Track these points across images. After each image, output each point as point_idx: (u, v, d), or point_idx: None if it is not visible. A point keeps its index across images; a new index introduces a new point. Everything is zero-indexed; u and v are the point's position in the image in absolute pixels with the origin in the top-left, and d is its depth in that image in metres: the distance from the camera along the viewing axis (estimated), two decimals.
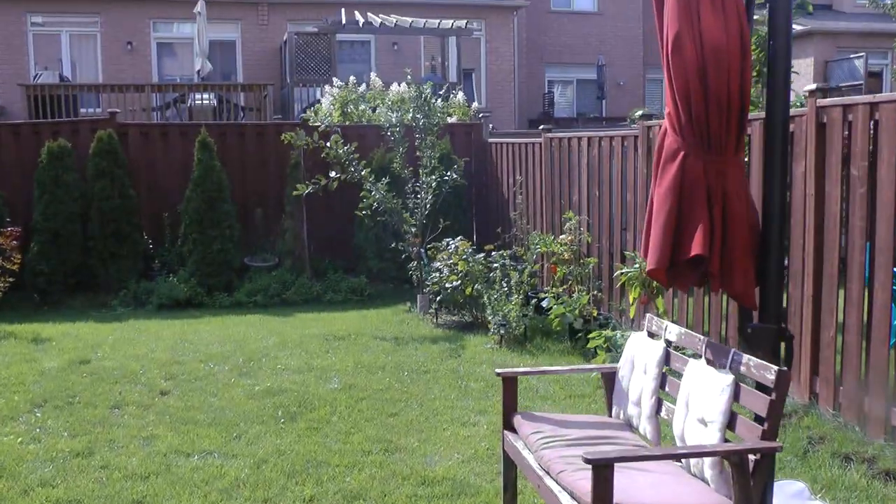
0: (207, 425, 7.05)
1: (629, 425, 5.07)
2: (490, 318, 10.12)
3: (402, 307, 12.75)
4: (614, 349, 8.62)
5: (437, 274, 11.19)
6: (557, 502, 4.14)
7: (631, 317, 9.35)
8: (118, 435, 6.86)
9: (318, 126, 12.68)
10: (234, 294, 13.46)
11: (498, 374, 5.23)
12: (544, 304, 10.02)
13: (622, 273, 8.81)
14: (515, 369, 5.45)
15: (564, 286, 10.58)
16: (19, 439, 6.81)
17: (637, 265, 8.64)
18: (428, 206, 12.27)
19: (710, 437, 4.08)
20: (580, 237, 10.58)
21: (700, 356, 4.51)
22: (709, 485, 4.10)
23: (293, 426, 7.02)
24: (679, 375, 4.64)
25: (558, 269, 10.68)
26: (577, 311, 9.65)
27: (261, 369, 8.90)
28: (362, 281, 14.00)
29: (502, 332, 9.89)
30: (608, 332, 8.85)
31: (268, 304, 13.30)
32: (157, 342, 10.30)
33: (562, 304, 9.85)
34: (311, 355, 9.54)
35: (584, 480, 3.94)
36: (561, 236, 10.76)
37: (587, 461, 3.64)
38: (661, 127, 4.59)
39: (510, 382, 5.23)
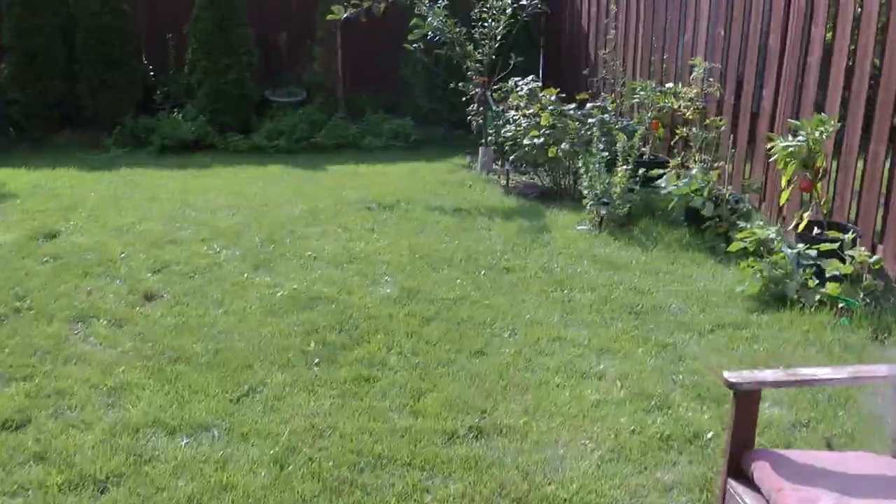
0: (206, 367, 4.74)
1: None
2: (585, 190, 7.70)
3: (458, 160, 10.37)
4: (767, 254, 6.26)
5: (513, 126, 8.70)
6: None
7: (781, 203, 6.92)
8: (72, 381, 4.54)
9: None
10: (253, 136, 11.07)
11: (731, 386, 2.84)
12: (663, 182, 7.54)
13: (779, 145, 6.32)
14: (760, 376, 2.95)
15: (683, 153, 8.13)
16: None
17: (804, 136, 6.19)
18: (498, 37, 9.65)
19: None
20: (707, 90, 8.02)
21: None
22: None
23: (333, 373, 4.70)
24: None
25: (673, 131, 8.19)
26: (705, 192, 7.21)
27: (284, 257, 6.58)
28: (407, 124, 11.61)
29: (603, 211, 7.49)
30: (759, 231, 6.45)
31: (293, 149, 10.96)
32: (150, 205, 7.99)
33: (680, 178, 7.42)
34: (350, 234, 7.22)
35: None
36: (681, 88, 8.21)
37: None
38: None
39: (748, 401, 2.87)
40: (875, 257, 5.94)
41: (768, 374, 2.89)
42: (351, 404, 4.34)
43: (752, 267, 6.07)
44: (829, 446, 4.05)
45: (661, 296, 6.04)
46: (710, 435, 4.19)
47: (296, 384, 4.54)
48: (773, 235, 6.41)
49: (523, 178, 9.42)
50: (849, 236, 6.00)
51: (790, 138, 6.40)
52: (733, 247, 6.50)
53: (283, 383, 4.54)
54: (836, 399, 4.51)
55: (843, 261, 5.91)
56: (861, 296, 5.84)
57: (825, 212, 6.50)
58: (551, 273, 6.42)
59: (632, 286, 6.21)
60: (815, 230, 6.44)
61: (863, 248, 6.02)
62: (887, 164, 6.34)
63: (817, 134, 6.16)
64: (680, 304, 5.90)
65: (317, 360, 4.82)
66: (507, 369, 4.81)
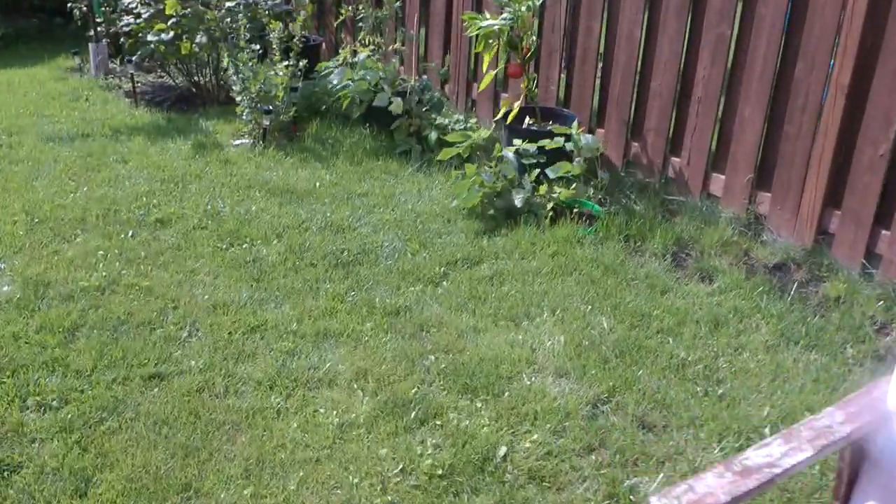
0: None
1: None
2: (238, 95, 6.19)
3: (65, 61, 8.45)
4: (483, 155, 5.21)
5: (131, 17, 6.93)
6: None
7: (480, 89, 5.82)
8: None
9: None
10: None
11: None
12: (335, 78, 6.18)
13: (478, 24, 5.18)
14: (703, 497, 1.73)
15: (346, 36, 6.80)
16: None
17: (510, 12, 5.10)
18: None
19: None
20: None
21: None
22: None
23: None
24: None
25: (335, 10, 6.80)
26: (392, 85, 5.95)
27: None
28: None
29: (266, 121, 6.04)
30: (474, 134, 5.34)
31: None
32: None
33: (356, 69, 6.13)
34: None
35: None
36: None
37: None
38: None
39: None
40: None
41: (713, 485, 1.72)
42: None
43: (469, 177, 4.97)
44: None
45: (366, 232, 4.81)
46: (503, 452, 3.08)
47: None
48: (484, 135, 5.34)
49: (150, 79, 7.72)
50: (575, 127, 5.03)
51: (486, 15, 5.28)
52: (444, 155, 5.35)
53: None
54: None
55: (570, 159, 4.96)
56: (591, 193, 4.97)
57: (532, 97, 5.47)
58: (220, 219, 4.97)
59: (326, 222, 4.93)
60: (527, 120, 5.44)
61: (590, 137, 5.07)
62: (602, 41, 5.39)
63: (524, 9, 5.06)
64: (393, 240, 4.71)
65: None
66: (200, 399, 3.40)
